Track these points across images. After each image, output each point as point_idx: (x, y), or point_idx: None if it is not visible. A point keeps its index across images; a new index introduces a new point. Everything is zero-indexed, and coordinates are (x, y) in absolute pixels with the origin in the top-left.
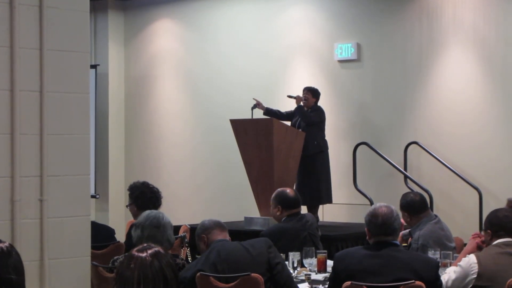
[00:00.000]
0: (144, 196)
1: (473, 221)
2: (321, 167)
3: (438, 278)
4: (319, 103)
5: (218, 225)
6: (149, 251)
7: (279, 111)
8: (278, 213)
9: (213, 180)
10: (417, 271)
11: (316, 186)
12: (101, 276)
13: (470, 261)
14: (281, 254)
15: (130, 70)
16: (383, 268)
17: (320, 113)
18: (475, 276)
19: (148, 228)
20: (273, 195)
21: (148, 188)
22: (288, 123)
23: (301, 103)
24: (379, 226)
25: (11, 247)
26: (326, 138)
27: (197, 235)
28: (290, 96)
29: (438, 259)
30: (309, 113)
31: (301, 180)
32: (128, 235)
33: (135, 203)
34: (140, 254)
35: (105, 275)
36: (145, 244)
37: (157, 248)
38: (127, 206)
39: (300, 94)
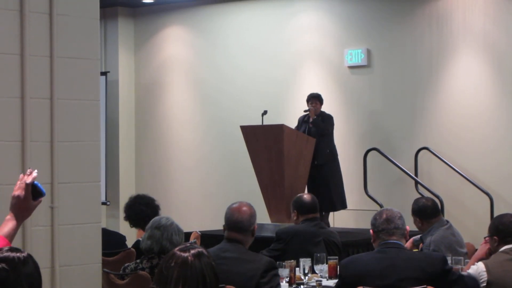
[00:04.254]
0: (136, 214)
1: (484, 227)
2: (335, 174)
3: (449, 270)
4: (326, 110)
5: (234, 226)
6: (192, 251)
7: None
8: (294, 218)
9: (224, 186)
10: (424, 268)
11: (330, 194)
12: (112, 283)
13: (479, 269)
14: (292, 260)
15: (140, 77)
16: (389, 269)
17: (331, 120)
18: (485, 284)
19: (149, 229)
20: (293, 200)
21: (140, 203)
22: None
23: (315, 116)
24: (382, 223)
25: (29, 258)
26: (337, 143)
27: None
28: (306, 111)
29: (450, 265)
30: (323, 124)
31: (314, 189)
32: (137, 241)
33: (135, 225)
34: (182, 253)
35: (116, 282)
36: (188, 244)
37: (200, 249)
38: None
39: (306, 99)
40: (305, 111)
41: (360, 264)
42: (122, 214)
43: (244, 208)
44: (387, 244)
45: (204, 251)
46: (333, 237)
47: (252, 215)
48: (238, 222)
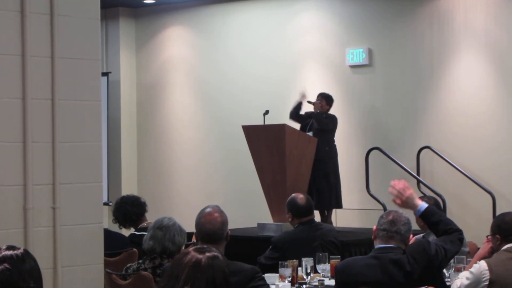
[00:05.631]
0: (123, 215)
1: (486, 225)
2: (332, 173)
3: (435, 255)
4: (332, 110)
5: (208, 238)
6: (207, 254)
7: (300, 114)
8: (289, 219)
9: (226, 186)
10: (416, 267)
11: (327, 192)
12: (115, 284)
13: (481, 268)
14: (294, 260)
15: (142, 77)
16: (382, 277)
17: (334, 120)
18: (487, 283)
19: (152, 229)
20: (287, 200)
21: (125, 203)
22: (297, 126)
23: (317, 110)
24: (386, 223)
25: (26, 253)
26: (339, 142)
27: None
28: (309, 102)
29: (452, 264)
30: (326, 120)
31: (312, 185)
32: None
33: (123, 226)
34: (196, 254)
35: (118, 283)
36: (205, 246)
37: (217, 253)
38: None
39: (315, 99)
40: (308, 101)
41: (353, 272)
42: None
43: (216, 215)
44: (382, 250)
45: (220, 256)
46: (330, 236)
47: (224, 222)
48: (211, 233)
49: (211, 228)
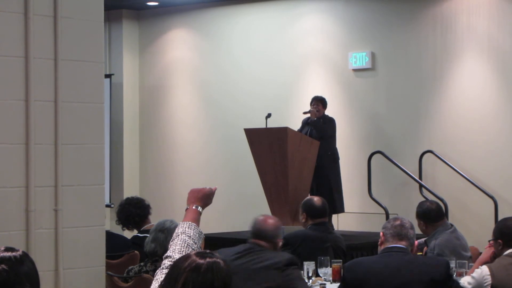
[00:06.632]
0: (126, 217)
1: (488, 230)
2: (335, 177)
3: (451, 275)
4: (330, 112)
5: (256, 231)
6: (208, 259)
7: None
8: (303, 220)
9: (228, 189)
10: (428, 272)
11: (330, 196)
12: (116, 286)
13: (483, 272)
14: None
15: (145, 79)
16: (394, 273)
17: (333, 124)
18: None
19: (154, 232)
20: (302, 201)
21: (129, 204)
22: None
23: (315, 117)
24: (395, 226)
25: (24, 256)
26: (341, 146)
27: None
28: (305, 113)
29: (454, 269)
30: (325, 126)
31: (315, 190)
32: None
33: (126, 227)
34: (197, 259)
35: (120, 285)
36: (208, 251)
37: (218, 259)
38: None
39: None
40: (304, 112)
41: (363, 267)
42: None
43: (271, 221)
44: (392, 248)
45: (221, 262)
46: (339, 242)
47: (278, 226)
48: (262, 230)
49: (263, 225)
